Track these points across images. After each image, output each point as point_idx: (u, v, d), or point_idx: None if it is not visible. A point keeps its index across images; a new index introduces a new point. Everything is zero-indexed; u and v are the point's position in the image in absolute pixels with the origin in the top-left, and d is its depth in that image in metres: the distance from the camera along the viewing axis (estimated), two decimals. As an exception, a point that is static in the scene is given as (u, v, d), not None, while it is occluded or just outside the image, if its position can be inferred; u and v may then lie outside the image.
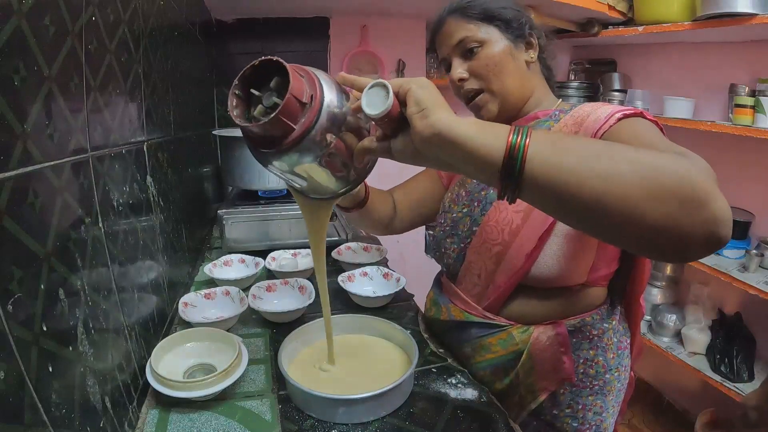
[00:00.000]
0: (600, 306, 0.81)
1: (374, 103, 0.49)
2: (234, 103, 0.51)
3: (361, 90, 0.51)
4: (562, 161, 0.44)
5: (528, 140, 0.44)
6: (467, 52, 0.79)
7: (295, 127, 0.49)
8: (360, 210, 0.87)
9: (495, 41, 0.78)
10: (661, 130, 0.66)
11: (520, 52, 0.80)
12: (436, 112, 0.47)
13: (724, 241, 0.43)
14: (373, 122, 0.52)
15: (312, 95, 0.50)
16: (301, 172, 0.55)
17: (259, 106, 0.51)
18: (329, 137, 0.51)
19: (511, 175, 0.45)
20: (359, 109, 0.50)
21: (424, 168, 0.94)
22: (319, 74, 0.52)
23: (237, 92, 0.52)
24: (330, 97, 0.51)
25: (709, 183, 0.42)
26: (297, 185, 0.61)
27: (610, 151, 0.44)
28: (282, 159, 0.52)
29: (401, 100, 0.49)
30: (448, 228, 0.88)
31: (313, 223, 0.71)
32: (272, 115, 0.47)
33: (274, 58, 0.49)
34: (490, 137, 0.46)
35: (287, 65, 0.48)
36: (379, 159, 0.58)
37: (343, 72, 0.55)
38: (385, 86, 0.49)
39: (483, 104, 0.81)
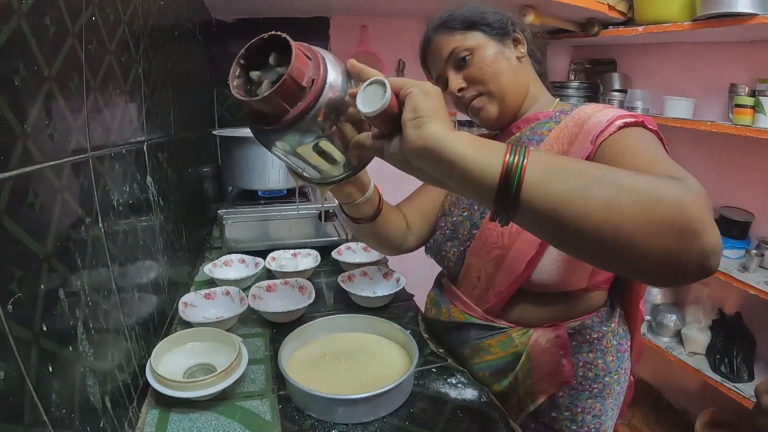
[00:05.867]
0: (600, 309, 0.81)
1: (370, 101, 0.46)
2: (237, 73, 0.50)
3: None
4: (561, 186, 0.42)
5: (525, 161, 0.42)
6: (459, 62, 0.80)
7: (290, 109, 0.48)
8: (371, 223, 0.82)
9: (483, 45, 0.79)
10: (661, 139, 0.66)
11: (509, 49, 0.81)
12: (432, 123, 0.44)
13: (713, 270, 0.43)
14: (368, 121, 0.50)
15: (314, 79, 0.48)
16: (292, 152, 0.53)
17: (265, 81, 0.50)
18: (326, 124, 0.50)
19: (506, 197, 0.42)
20: (355, 97, 0.48)
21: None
22: (329, 59, 0.50)
23: (242, 62, 0.50)
24: (333, 84, 0.49)
25: (704, 213, 0.42)
26: (290, 163, 0.59)
27: (611, 178, 0.43)
28: (276, 137, 0.51)
29: (401, 101, 0.47)
30: (448, 231, 0.88)
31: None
32: (266, 93, 0.46)
33: (282, 35, 0.48)
34: (484, 156, 0.43)
35: (293, 45, 0.46)
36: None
37: (353, 59, 0.52)
38: (383, 85, 0.46)
39: (482, 106, 0.81)
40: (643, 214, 0.41)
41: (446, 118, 0.46)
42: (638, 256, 0.42)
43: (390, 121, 0.48)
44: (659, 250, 0.41)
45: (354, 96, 0.48)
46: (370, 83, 0.48)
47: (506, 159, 0.43)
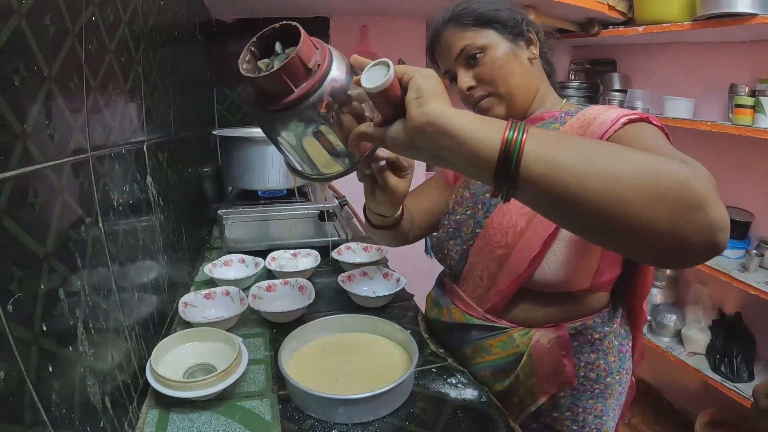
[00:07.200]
0: (602, 310, 0.81)
1: (373, 79, 0.49)
2: (246, 58, 0.53)
3: None
4: (560, 159, 0.42)
5: (525, 136, 0.43)
6: (470, 60, 0.79)
7: (294, 89, 0.50)
8: (395, 229, 0.85)
9: (496, 45, 0.78)
10: (667, 135, 0.66)
11: (521, 50, 0.80)
12: (433, 101, 0.46)
13: (722, 248, 0.42)
14: (371, 101, 0.52)
15: (319, 64, 0.51)
16: (293, 140, 0.55)
17: (276, 63, 0.52)
18: (327, 111, 0.52)
19: (506, 171, 0.43)
20: (359, 83, 0.50)
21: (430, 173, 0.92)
22: (335, 52, 0.53)
23: (252, 49, 0.53)
24: (337, 73, 0.52)
25: (709, 189, 0.41)
26: (290, 158, 0.60)
27: (611, 151, 0.43)
28: (278, 120, 0.53)
29: (403, 86, 0.49)
30: (451, 230, 0.88)
31: None
32: (274, 69, 0.48)
33: (293, 23, 0.51)
34: (485, 131, 0.44)
35: (303, 32, 0.50)
36: None
37: (356, 54, 0.55)
38: (387, 65, 0.49)
39: (490, 107, 0.81)
40: (645, 185, 0.41)
41: (447, 98, 0.48)
42: (642, 230, 0.41)
43: (391, 105, 0.50)
44: (663, 223, 0.41)
45: (359, 83, 0.50)
46: (375, 64, 0.50)
47: (506, 134, 0.44)
